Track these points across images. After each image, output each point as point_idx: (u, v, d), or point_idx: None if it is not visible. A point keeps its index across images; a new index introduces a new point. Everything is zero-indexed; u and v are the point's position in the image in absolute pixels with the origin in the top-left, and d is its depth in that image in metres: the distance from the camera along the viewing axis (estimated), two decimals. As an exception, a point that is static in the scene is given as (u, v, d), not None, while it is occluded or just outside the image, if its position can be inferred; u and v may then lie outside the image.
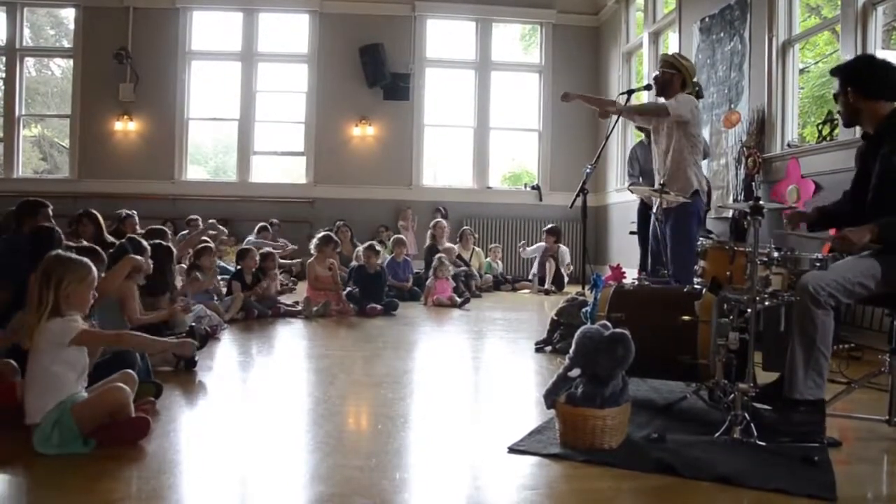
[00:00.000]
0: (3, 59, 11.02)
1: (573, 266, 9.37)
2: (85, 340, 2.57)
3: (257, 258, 6.52)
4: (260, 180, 11.14)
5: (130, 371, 2.80)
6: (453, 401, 3.54)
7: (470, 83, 11.39)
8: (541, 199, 11.05)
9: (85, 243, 4.20)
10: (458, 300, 7.36)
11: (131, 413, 2.58)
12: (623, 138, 10.09)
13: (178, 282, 5.27)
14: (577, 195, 5.95)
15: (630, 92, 5.10)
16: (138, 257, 4.09)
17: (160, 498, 2.08)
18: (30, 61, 11.65)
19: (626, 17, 10.29)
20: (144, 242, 4.39)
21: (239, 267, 6.46)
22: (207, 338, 4.55)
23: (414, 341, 5.45)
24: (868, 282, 2.78)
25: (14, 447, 2.46)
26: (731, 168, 6.92)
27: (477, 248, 9.64)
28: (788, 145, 6.28)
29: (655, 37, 9.22)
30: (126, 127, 10.81)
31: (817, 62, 8.79)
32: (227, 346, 4.82)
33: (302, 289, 7.50)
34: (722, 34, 7.32)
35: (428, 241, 9.13)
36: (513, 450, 2.55)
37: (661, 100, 4.96)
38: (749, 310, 2.75)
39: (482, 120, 11.31)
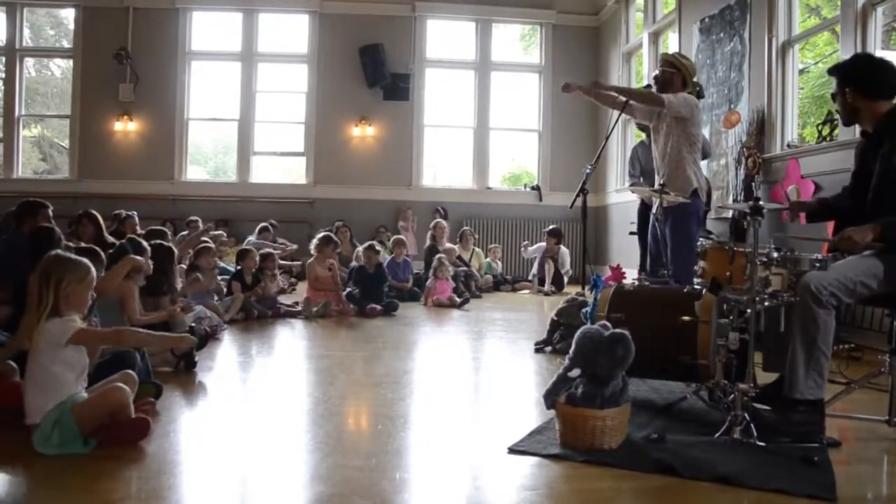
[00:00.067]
0: (3, 59, 11.01)
1: (572, 271, 9.36)
2: (83, 339, 2.57)
3: (257, 258, 6.52)
4: (260, 181, 11.14)
5: (130, 371, 2.80)
6: (453, 401, 3.54)
7: (470, 83, 11.39)
8: (541, 200, 11.05)
9: (85, 244, 4.20)
10: (458, 300, 7.36)
11: (131, 413, 2.58)
12: (623, 138, 10.09)
13: (179, 283, 5.27)
14: (577, 195, 5.95)
15: (628, 99, 5.09)
16: (138, 258, 4.09)
17: (160, 498, 2.08)
18: (29, 61, 11.65)
19: (625, 17, 10.30)
20: (144, 243, 4.40)
21: (239, 267, 6.46)
22: (207, 338, 4.55)
23: (414, 342, 5.45)
24: (870, 281, 2.78)
25: (14, 447, 2.46)
26: (730, 168, 6.92)
27: (477, 249, 9.63)
28: (788, 146, 6.28)
29: (655, 37, 9.22)
30: (126, 127, 10.81)
31: (817, 62, 8.80)
32: (227, 347, 4.82)
33: (302, 289, 7.50)
34: (722, 34, 7.32)
35: (428, 242, 9.13)
36: (513, 450, 2.55)
37: None
38: (749, 310, 2.76)
39: (482, 120, 11.31)
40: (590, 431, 2.53)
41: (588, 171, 5.69)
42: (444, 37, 11.61)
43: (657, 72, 5.13)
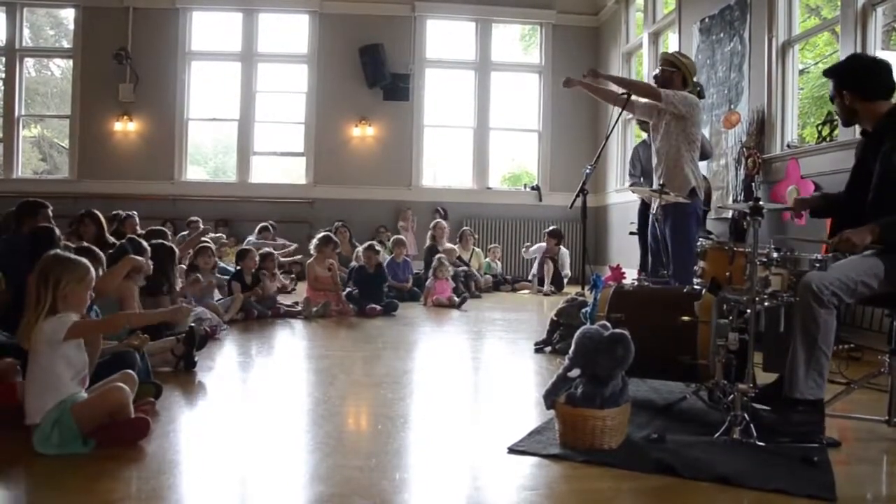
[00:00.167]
0: (3, 59, 11.01)
1: (571, 273, 9.35)
2: (79, 331, 2.57)
3: (257, 258, 6.52)
4: (260, 181, 11.14)
5: (130, 371, 2.80)
6: (453, 401, 3.54)
7: (470, 83, 11.39)
8: (540, 200, 11.05)
9: (84, 244, 4.20)
10: (457, 300, 7.36)
11: (131, 413, 2.58)
12: (623, 139, 10.10)
13: (179, 283, 5.27)
14: (577, 195, 5.95)
15: (629, 94, 5.09)
16: (138, 258, 4.09)
17: (160, 498, 2.08)
18: (29, 62, 11.65)
19: (625, 17, 10.30)
20: (144, 243, 4.40)
21: (239, 267, 6.46)
22: (207, 338, 4.55)
23: (414, 342, 5.45)
24: (871, 281, 2.78)
25: (14, 447, 2.47)
26: (730, 169, 6.92)
27: (477, 249, 9.63)
28: (788, 146, 6.28)
29: (655, 37, 9.22)
30: (126, 127, 10.81)
31: (817, 63, 8.80)
32: (226, 347, 4.82)
33: (302, 289, 7.50)
34: (722, 35, 7.32)
35: (428, 242, 9.13)
36: (512, 450, 2.55)
37: None
38: (748, 310, 2.76)
39: (482, 120, 11.32)
40: (590, 431, 2.53)
41: (588, 171, 5.69)
42: (444, 37, 11.62)
43: (657, 71, 5.13)
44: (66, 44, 11.77)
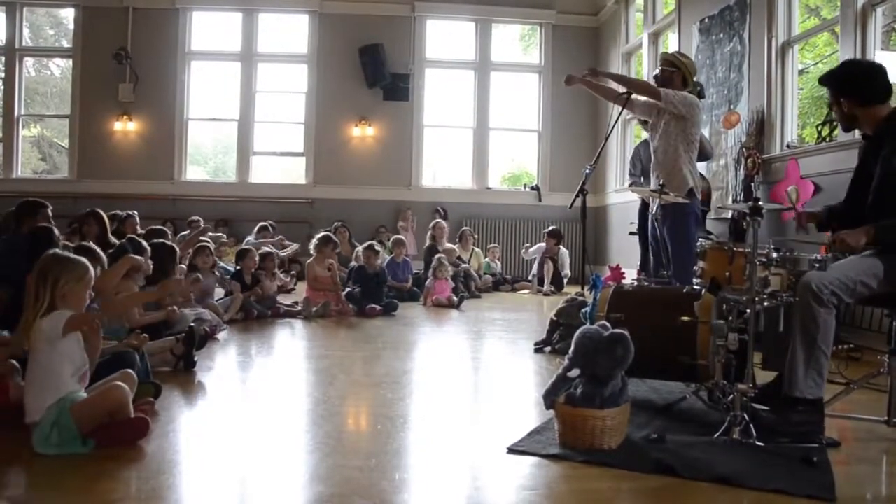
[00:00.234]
0: (3, 59, 11.01)
1: (571, 273, 9.35)
2: (77, 323, 2.56)
3: (257, 258, 6.52)
4: (259, 181, 11.14)
5: (130, 371, 2.80)
6: (453, 401, 3.54)
7: (469, 84, 11.39)
8: (540, 200, 11.06)
9: (84, 243, 4.19)
10: (456, 300, 7.36)
11: (130, 413, 2.57)
12: (623, 139, 10.10)
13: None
14: (577, 196, 5.95)
15: (630, 93, 5.09)
16: (137, 257, 4.09)
17: (159, 498, 2.08)
18: (29, 61, 11.64)
19: (625, 17, 10.30)
20: (144, 243, 4.39)
21: (238, 267, 6.46)
22: (206, 338, 4.55)
23: (413, 342, 5.45)
24: (870, 281, 2.79)
25: (14, 447, 2.46)
26: (730, 169, 6.92)
27: (476, 249, 9.63)
28: (788, 146, 6.28)
29: (655, 37, 9.22)
30: (125, 127, 10.80)
31: (817, 63, 8.79)
32: (226, 347, 4.82)
33: (301, 289, 7.50)
34: (721, 35, 7.32)
35: (427, 242, 9.14)
36: (512, 450, 2.55)
37: None
38: (748, 310, 2.76)
39: (482, 120, 11.32)
40: (589, 431, 2.53)
41: (588, 171, 5.69)
42: (444, 37, 11.62)
43: (657, 71, 5.13)
44: (65, 43, 11.77)
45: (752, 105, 6.69)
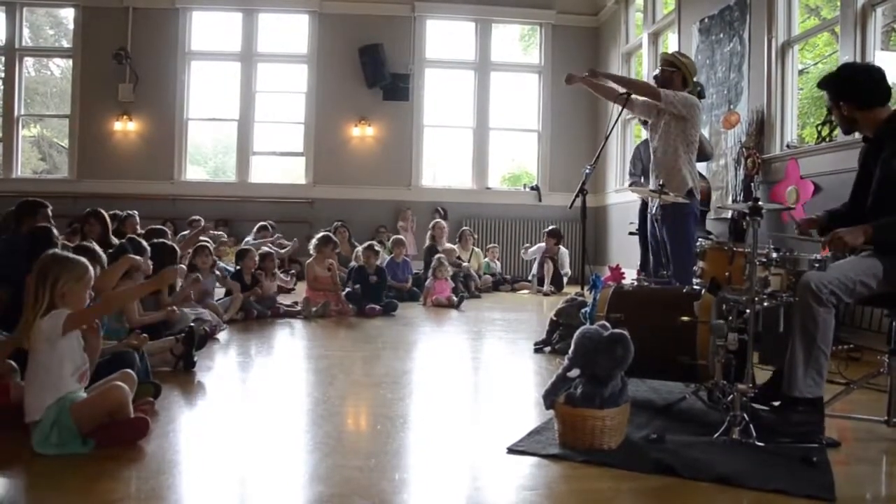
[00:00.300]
0: (3, 58, 11.01)
1: (571, 272, 9.35)
2: (76, 321, 2.56)
3: (257, 258, 6.52)
4: (259, 181, 11.14)
5: (129, 371, 2.80)
6: (453, 401, 3.54)
7: (469, 84, 11.39)
8: (540, 200, 11.06)
9: (84, 243, 4.19)
10: (456, 300, 7.36)
11: (130, 413, 2.57)
12: (623, 139, 10.10)
13: (179, 282, 5.26)
14: (577, 196, 5.95)
15: (629, 93, 5.09)
16: (136, 257, 4.09)
17: (159, 498, 2.08)
18: (29, 61, 11.64)
19: (625, 17, 10.30)
20: (144, 243, 4.39)
21: (238, 267, 6.46)
22: (206, 338, 4.55)
23: (413, 342, 5.45)
24: (870, 281, 2.79)
25: (14, 447, 2.46)
26: (730, 169, 6.93)
27: (476, 249, 9.64)
28: (787, 146, 6.28)
29: (655, 37, 9.22)
30: (125, 127, 10.80)
31: (816, 63, 8.79)
32: (226, 347, 4.82)
33: (301, 289, 7.50)
34: (721, 35, 7.32)
35: (427, 242, 9.14)
36: (512, 450, 2.55)
37: None
38: (748, 310, 2.76)
39: (482, 120, 11.32)
40: (589, 431, 2.53)
41: (587, 171, 5.69)
42: (444, 37, 11.62)
43: (657, 71, 5.13)
44: (65, 43, 11.77)
45: (751, 105, 6.69)
